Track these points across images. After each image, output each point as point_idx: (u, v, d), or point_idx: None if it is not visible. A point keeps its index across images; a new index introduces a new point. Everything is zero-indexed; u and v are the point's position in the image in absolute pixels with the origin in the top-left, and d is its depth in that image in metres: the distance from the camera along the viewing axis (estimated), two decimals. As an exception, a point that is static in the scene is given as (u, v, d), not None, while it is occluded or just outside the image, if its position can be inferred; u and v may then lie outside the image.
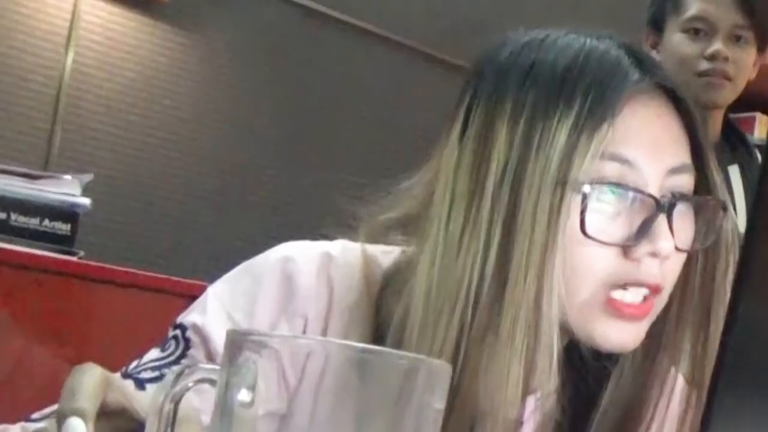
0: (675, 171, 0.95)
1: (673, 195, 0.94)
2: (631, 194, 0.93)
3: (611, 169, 0.92)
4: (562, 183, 0.90)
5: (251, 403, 0.59)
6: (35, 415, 0.93)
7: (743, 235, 0.56)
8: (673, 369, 1.02)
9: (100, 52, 3.80)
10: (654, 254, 0.93)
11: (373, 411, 0.58)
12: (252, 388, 0.59)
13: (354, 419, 0.59)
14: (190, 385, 0.64)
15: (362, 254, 1.02)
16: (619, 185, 0.92)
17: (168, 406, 0.64)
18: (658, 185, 0.94)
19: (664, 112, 0.96)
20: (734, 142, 2.39)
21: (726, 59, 2.25)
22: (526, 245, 0.90)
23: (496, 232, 0.91)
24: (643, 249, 0.93)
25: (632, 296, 0.94)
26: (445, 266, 0.92)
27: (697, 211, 0.97)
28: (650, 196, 0.93)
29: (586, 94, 0.92)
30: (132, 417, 0.71)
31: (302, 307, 0.98)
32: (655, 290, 0.94)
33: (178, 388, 0.63)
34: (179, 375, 0.64)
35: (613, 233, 0.92)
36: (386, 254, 1.03)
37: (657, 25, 2.35)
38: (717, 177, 0.99)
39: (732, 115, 2.43)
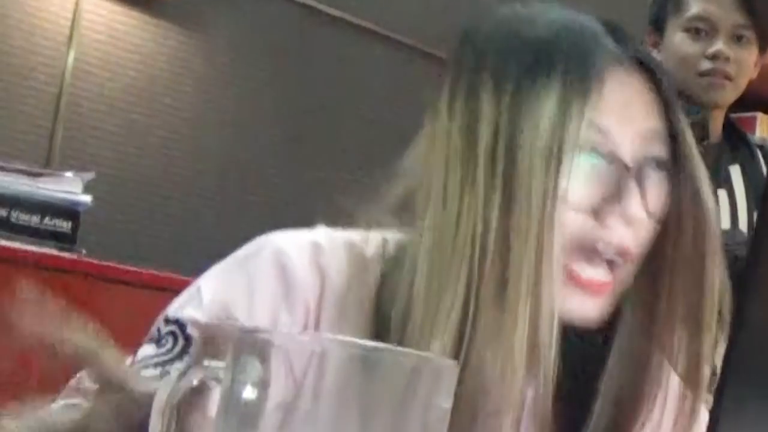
0: (647, 138, 0.96)
1: (645, 161, 0.96)
2: (603, 160, 0.94)
3: (585, 136, 0.93)
4: (555, 151, 0.91)
5: (257, 401, 0.59)
6: None
7: (750, 238, 0.56)
8: (666, 366, 1.02)
9: (102, 51, 3.80)
10: (624, 218, 0.94)
11: (377, 410, 0.58)
12: (257, 385, 0.59)
13: (358, 418, 0.59)
14: (195, 382, 0.64)
15: (347, 241, 1.02)
16: (592, 150, 0.94)
17: (173, 405, 0.64)
18: (630, 151, 0.95)
19: (637, 81, 0.98)
20: (735, 141, 2.39)
21: (727, 59, 2.25)
22: (524, 208, 0.91)
23: (496, 194, 0.92)
24: (613, 213, 0.94)
25: (594, 271, 0.95)
26: (447, 232, 0.93)
27: (671, 179, 0.98)
28: (621, 160, 0.94)
29: (567, 64, 0.93)
30: (132, 397, 0.72)
31: (302, 297, 0.98)
32: (623, 255, 0.95)
33: (182, 386, 0.64)
34: (184, 373, 0.64)
35: (584, 198, 0.94)
36: (367, 240, 1.03)
37: (658, 25, 2.36)
38: (693, 149, 0.99)
39: (733, 115, 2.43)
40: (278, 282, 0.98)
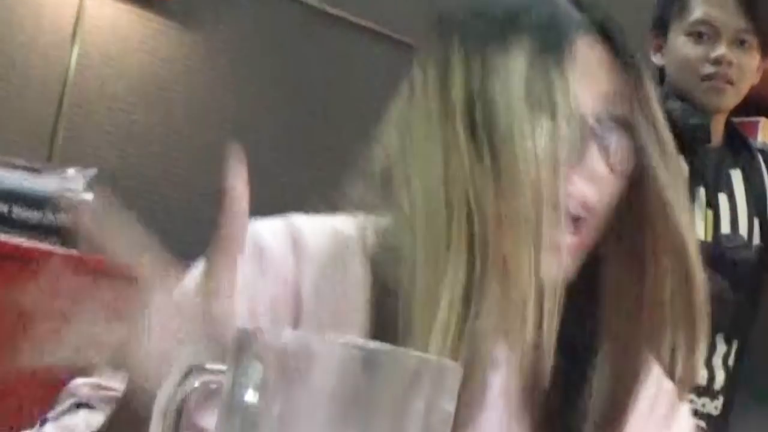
0: (610, 97, 0.98)
1: (607, 119, 0.98)
2: (565, 118, 0.96)
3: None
4: (529, 112, 0.93)
5: (258, 403, 0.59)
6: (50, 414, 0.93)
7: (759, 247, 0.56)
8: (654, 362, 1.02)
9: (105, 48, 3.80)
10: (585, 174, 0.96)
11: (379, 412, 0.58)
12: (258, 387, 0.59)
13: (359, 421, 0.59)
14: (196, 385, 0.64)
15: (324, 221, 1.03)
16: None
17: (173, 408, 0.64)
18: (593, 110, 0.97)
19: (600, 46, 1.00)
20: (737, 146, 2.39)
21: (730, 64, 2.25)
22: (513, 175, 0.92)
23: (483, 146, 0.93)
24: (575, 169, 0.95)
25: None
26: (435, 181, 0.94)
27: (634, 137, 0.99)
28: (584, 119, 0.96)
29: (536, 26, 0.96)
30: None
31: (280, 273, 0.99)
32: (587, 210, 0.96)
33: (184, 388, 0.64)
34: (185, 375, 0.64)
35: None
36: (346, 220, 1.03)
37: (661, 28, 2.36)
38: (656, 110, 1.01)
39: (736, 119, 2.43)
40: (254, 261, 0.98)
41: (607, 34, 1.00)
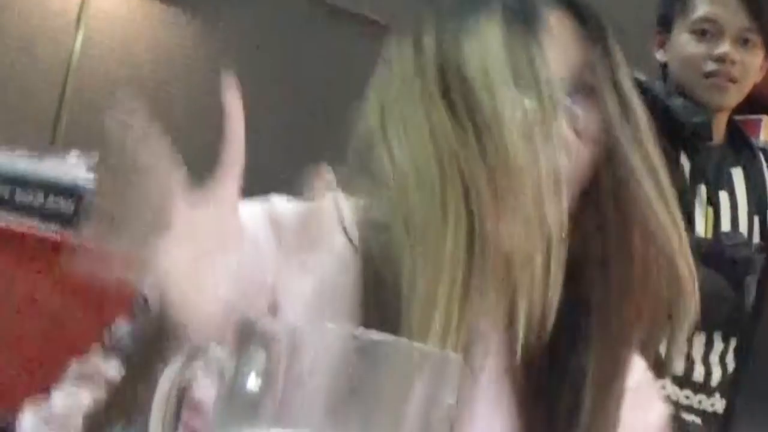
0: (577, 66, 1.00)
1: (575, 87, 0.99)
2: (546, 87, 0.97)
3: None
4: (503, 85, 0.95)
5: (260, 391, 0.59)
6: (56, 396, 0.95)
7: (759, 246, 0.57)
8: (636, 356, 1.03)
9: (110, 35, 3.80)
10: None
11: (379, 402, 0.58)
12: (260, 374, 0.60)
13: (360, 411, 0.59)
14: (198, 370, 0.64)
15: (301, 202, 1.04)
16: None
17: (175, 393, 0.64)
18: (560, 79, 0.99)
19: (568, 18, 1.02)
20: (738, 144, 2.39)
21: (732, 62, 2.25)
22: (500, 149, 0.93)
23: (465, 121, 0.95)
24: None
25: None
26: (422, 153, 0.95)
27: (601, 105, 1.00)
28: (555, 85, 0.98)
29: (509, 4, 0.98)
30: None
31: (260, 251, 0.99)
32: None
33: (185, 374, 0.64)
34: (187, 360, 0.64)
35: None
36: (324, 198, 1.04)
37: (665, 25, 2.35)
38: (624, 79, 1.02)
39: (738, 117, 2.42)
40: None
41: (575, 8, 1.02)
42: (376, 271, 0.96)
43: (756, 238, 2.27)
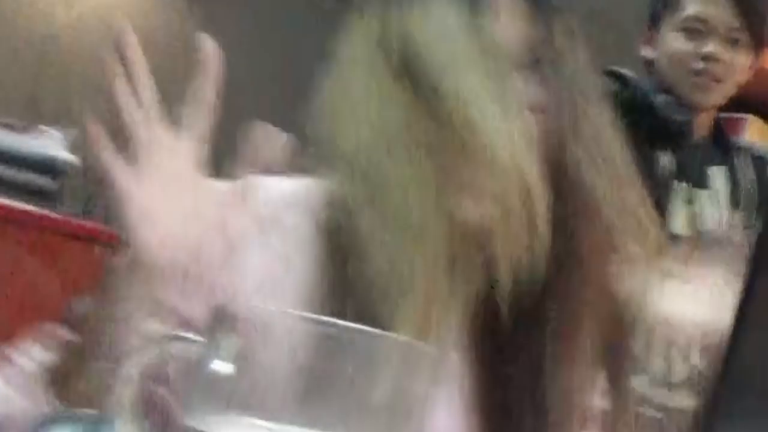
0: (527, 42, 1.01)
1: (522, 63, 1.00)
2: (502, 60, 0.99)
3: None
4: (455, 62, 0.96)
5: (232, 375, 0.59)
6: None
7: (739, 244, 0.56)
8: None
9: (93, 8, 3.78)
10: None
11: (346, 390, 0.58)
12: (233, 359, 0.60)
13: (327, 395, 0.59)
14: (170, 355, 0.64)
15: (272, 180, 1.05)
16: None
17: (144, 375, 0.64)
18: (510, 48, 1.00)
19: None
20: (722, 143, 2.39)
21: (719, 61, 2.26)
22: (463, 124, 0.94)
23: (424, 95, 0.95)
24: None
25: None
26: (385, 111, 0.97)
27: (549, 78, 1.01)
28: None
29: None
30: None
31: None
32: None
33: (157, 357, 0.64)
34: (161, 345, 0.64)
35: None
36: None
37: (654, 22, 2.36)
38: (574, 54, 1.04)
39: (723, 115, 2.43)
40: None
41: None
42: (339, 251, 0.96)
43: (736, 237, 2.28)
